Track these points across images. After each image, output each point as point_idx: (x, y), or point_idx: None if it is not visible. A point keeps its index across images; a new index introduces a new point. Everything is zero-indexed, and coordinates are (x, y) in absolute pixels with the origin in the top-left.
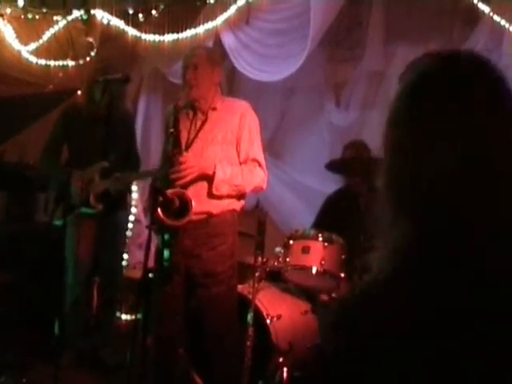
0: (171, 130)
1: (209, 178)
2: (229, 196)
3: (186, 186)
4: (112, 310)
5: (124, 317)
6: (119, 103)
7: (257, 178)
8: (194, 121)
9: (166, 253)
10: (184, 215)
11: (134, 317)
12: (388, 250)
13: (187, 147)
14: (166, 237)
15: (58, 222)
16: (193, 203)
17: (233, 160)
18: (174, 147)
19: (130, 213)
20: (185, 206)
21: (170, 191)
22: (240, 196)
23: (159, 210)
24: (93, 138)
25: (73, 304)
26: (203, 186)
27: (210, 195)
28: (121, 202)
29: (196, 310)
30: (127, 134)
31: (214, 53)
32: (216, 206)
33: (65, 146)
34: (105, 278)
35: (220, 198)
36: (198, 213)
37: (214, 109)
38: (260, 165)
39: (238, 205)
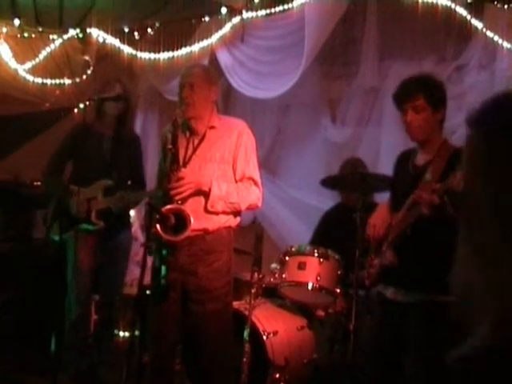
0: (169, 146)
1: (205, 195)
2: (224, 213)
3: (183, 203)
4: (110, 328)
5: (121, 334)
6: (126, 123)
7: (252, 195)
8: (191, 139)
9: (164, 269)
10: (181, 231)
11: (131, 334)
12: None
13: (185, 164)
14: (164, 253)
15: (55, 237)
16: (191, 219)
17: (229, 178)
18: (172, 164)
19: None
20: (181, 222)
21: (165, 208)
22: (236, 213)
23: (157, 226)
24: (98, 157)
25: (72, 323)
26: (200, 202)
27: (207, 212)
28: (123, 221)
29: (192, 327)
30: (133, 155)
31: (211, 71)
32: (212, 223)
33: (69, 163)
34: (104, 297)
35: (216, 214)
36: (195, 229)
37: (212, 127)
38: (256, 183)
39: (234, 222)
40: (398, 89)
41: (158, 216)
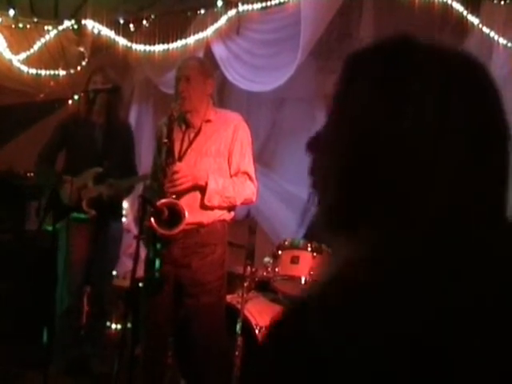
0: (165, 140)
1: (201, 189)
2: (220, 207)
3: (178, 196)
4: (103, 319)
5: (113, 326)
6: (117, 113)
7: (247, 190)
8: (186, 132)
9: (158, 262)
10: (175, 225)
11: (123, 326)
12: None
13: (180, 158)
14: (158, 246)
15: (48, 228)
16: (186, 213)
17: (225, 172)
18: (167, 157)
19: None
20: (175, 215)
21: (159, 202)
22: (231, 207)
23: (152, 219)
24: (91, 146)
25: (63, 314)
26: (195, 196)
27: (202, 206)
28: (115, 212)
29: (185, 320)
30: (124, 145)
31: (207, 64)
32: (207, 217)
33: (61, 154)
34: (96, 288)
35: (211, 208)
36: (190, 223)
37: (208, 121)
38: (250, 178)
39: (228, 216)
40: None
41: (151, 209)
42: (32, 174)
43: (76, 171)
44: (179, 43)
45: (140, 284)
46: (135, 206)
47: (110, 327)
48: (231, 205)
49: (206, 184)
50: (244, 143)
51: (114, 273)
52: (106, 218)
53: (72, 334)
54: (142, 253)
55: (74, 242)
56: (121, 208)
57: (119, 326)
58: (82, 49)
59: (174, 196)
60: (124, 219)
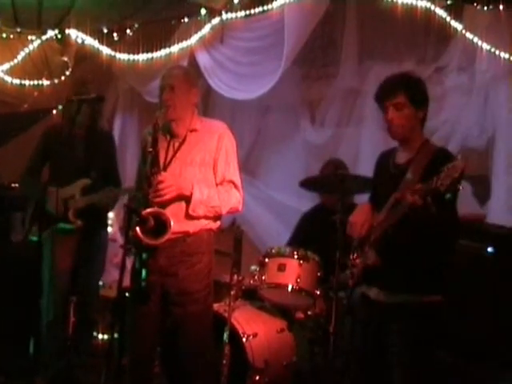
0: (150, 149)
1: (186, 198)
2: (205, 217)
3: (163, 206)
4: (89, 329)
5: (100, 336)
6: (98, 123)
7: (233, 199)
8: (171, 141)
9: (144, 272)
10: (161, 234)
11: (110, 336)
12: None
13: (165, 167)
14: (144, 256)
15: (34, 238)
16: (171, 223)
17: (210, 182)
18: (152, 167)
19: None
20: (161, 225)
21: (145, 211)
22: (217, 216)
23: (137, 228)
24: (73, 158)
25: (49, 324)
26: (181, 206)
27: (188, 215)
28: (101, 221)
29: (172, 329)
30: (107, 154)
31: (191, 73)
32: (193, 226)
33: (46, 166)
34: (82, 298)
35: (197, 218)
36: (176, 232)
37: (193, 130)
38: (236, 186)
39: (214, 225)
40: (380, 87)
41: (136, 219)
42: (16, 185)
43: (60, 182)
44: (163, 52)
45: (127, 294)
46: (121, 215)
47: (96, 337)
48: (217, 214)
49: (191, 194)
50: (229, 152)
51: (101, 283)
52: (91, 228)
53: (58, 345)
54: (129, 263)
55: (59, 252)
56: (106, 218)
57: (106, 336)
58: (65, 58)
59: (159, 206)
60: (110, 229)
